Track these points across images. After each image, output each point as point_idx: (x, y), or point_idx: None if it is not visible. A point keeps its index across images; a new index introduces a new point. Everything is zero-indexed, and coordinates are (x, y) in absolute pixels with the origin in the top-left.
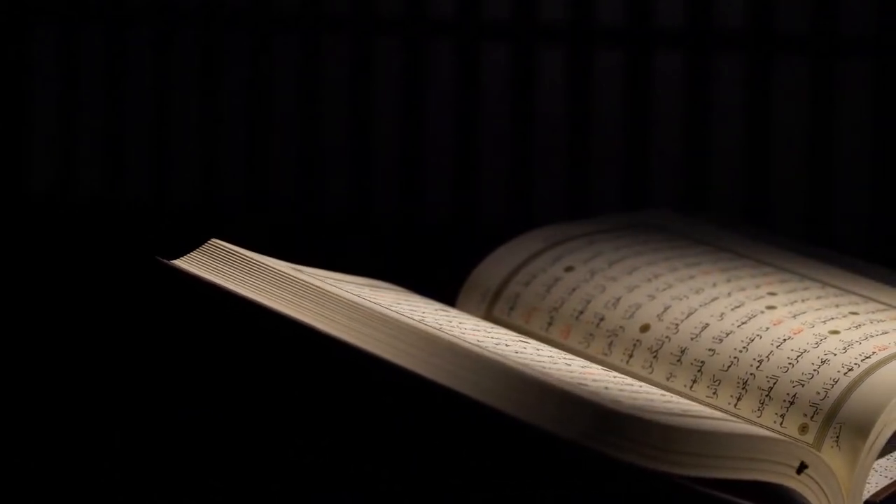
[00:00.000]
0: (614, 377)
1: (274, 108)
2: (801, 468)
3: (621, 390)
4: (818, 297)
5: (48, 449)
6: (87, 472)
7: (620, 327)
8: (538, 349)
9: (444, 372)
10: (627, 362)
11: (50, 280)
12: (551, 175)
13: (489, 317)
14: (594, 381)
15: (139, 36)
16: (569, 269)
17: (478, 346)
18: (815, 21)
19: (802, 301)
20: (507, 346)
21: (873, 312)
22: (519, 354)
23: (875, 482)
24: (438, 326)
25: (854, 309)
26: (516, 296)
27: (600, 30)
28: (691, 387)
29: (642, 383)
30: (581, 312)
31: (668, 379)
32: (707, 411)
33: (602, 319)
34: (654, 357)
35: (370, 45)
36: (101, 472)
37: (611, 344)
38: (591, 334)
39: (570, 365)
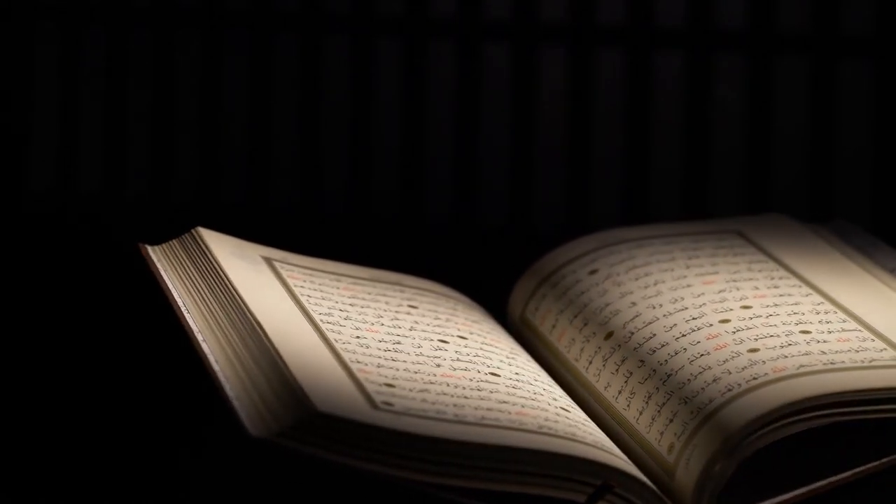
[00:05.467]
0: (479, 382)
1: (274, 107)
2: (604, 490)
3: (443, 394)
4: (792, 314)
5: (44, 446)
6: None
7: (593, 333)
8: (434, 350)
9: (234, 362)
10: (587, 369)
11: (49, 279)
12: (552, 174)
13: (522, 318)
14: (423, 384)
15: (139, 36)
16: (593, 272)
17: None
18: (815, 21)
19: (768, 316)
20: (399, 345)
21: (829, 332)
22: (367, 353)
23: None
24: (335, 323)
25: (809, 328)
26: (543, 297)
27: (600, 30)
28: (616, 398)
29: (495, 390)
30: (575, 316)
31: (605, 389)
32: (531, 423)
33: (585, 324)
34: (604, 365)
35: (370, 45)
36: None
37: (582, 350)
38: (573, 339)
39: (440, 366)
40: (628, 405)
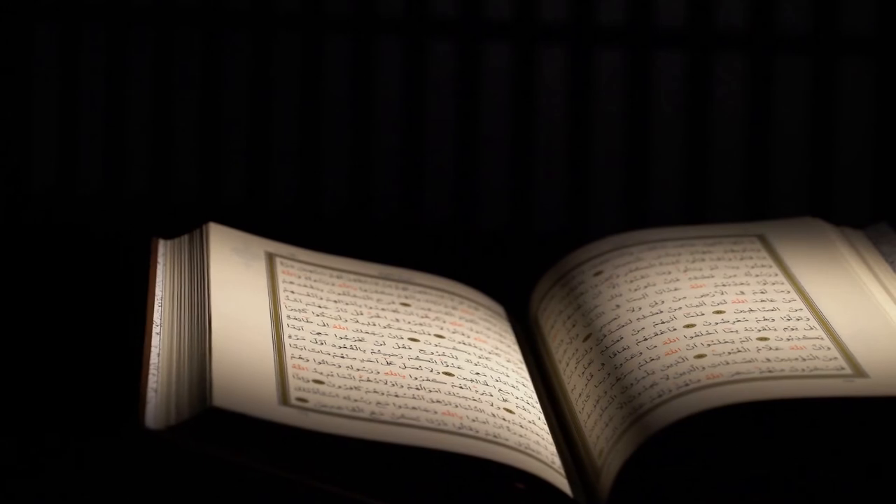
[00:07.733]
0: (423, 381)
1: (274, 108)
2: (514, 492)
3: (372, 392)
4: (761, 320)
5: (42, 444)
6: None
7: (577, 335)
8: (396, 348)
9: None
10: (565, 371)
11: (49, 279)
12: (552, 174)
13: (534, 319)
14: (357, 382)
15: (139, 35)
16: (598, 273)
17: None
18: (816, 21)
19: (735, 322)
20: (360, 342)
21: (787, 340)
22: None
23: None
24: (302, 319)
25: (769, 335)
26: (552, 298)
27: (600, 30)
28: (577, 400)
29: (436, 389)
30: (569, 318)
31: (572, 391)
32: (453, 424)
33: (573, 326)
34: (575, 367)
35: (370, 45)
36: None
37: (565, 351)
38: (562, 340)
39: (390, 364)
40: (583, 408)
